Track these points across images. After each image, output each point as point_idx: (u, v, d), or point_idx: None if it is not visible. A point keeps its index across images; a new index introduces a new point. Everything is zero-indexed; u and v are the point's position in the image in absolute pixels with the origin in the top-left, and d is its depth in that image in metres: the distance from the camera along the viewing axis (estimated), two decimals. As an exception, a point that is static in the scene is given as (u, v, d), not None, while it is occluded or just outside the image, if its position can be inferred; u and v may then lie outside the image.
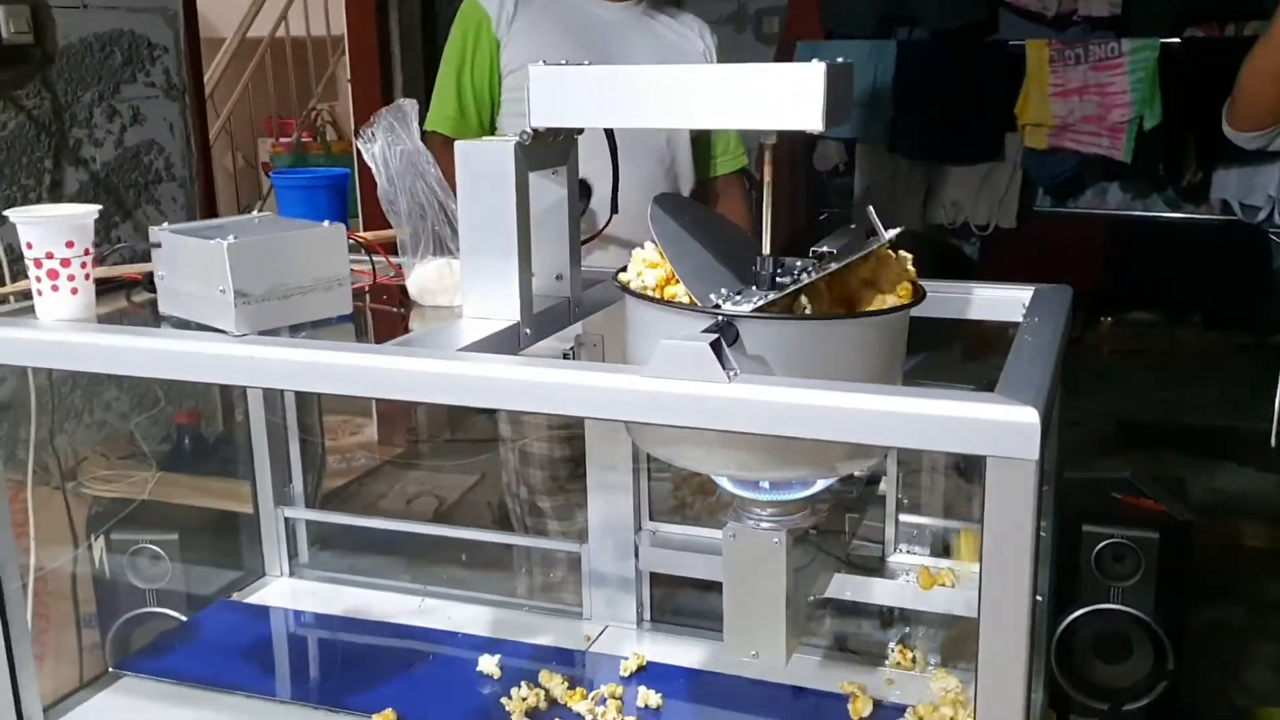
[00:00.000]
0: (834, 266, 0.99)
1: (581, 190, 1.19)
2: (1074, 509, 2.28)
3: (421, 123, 1.20)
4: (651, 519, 1.45)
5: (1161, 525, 2.21)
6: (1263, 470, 3.43)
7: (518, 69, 1.82)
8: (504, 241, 1.08)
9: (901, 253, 1.07)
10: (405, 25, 3.93)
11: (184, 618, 1.82)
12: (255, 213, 1.20)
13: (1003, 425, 0.80)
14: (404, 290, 1.25)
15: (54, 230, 1.10)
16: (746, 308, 0.95)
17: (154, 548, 2.16)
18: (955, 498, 1.39)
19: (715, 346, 0.88)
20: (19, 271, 1.17)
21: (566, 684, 1.29)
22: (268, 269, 1.06)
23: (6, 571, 1.19)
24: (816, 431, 0.86)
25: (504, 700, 1.26)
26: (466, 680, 1.32)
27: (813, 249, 1.06)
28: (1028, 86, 4.24)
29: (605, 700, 1.25)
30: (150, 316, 1.18)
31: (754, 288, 1.03)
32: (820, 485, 1.11)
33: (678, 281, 1.00)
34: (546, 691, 1.28)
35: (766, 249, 1.04)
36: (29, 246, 1.10)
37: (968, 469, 1.30)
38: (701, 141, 2.04)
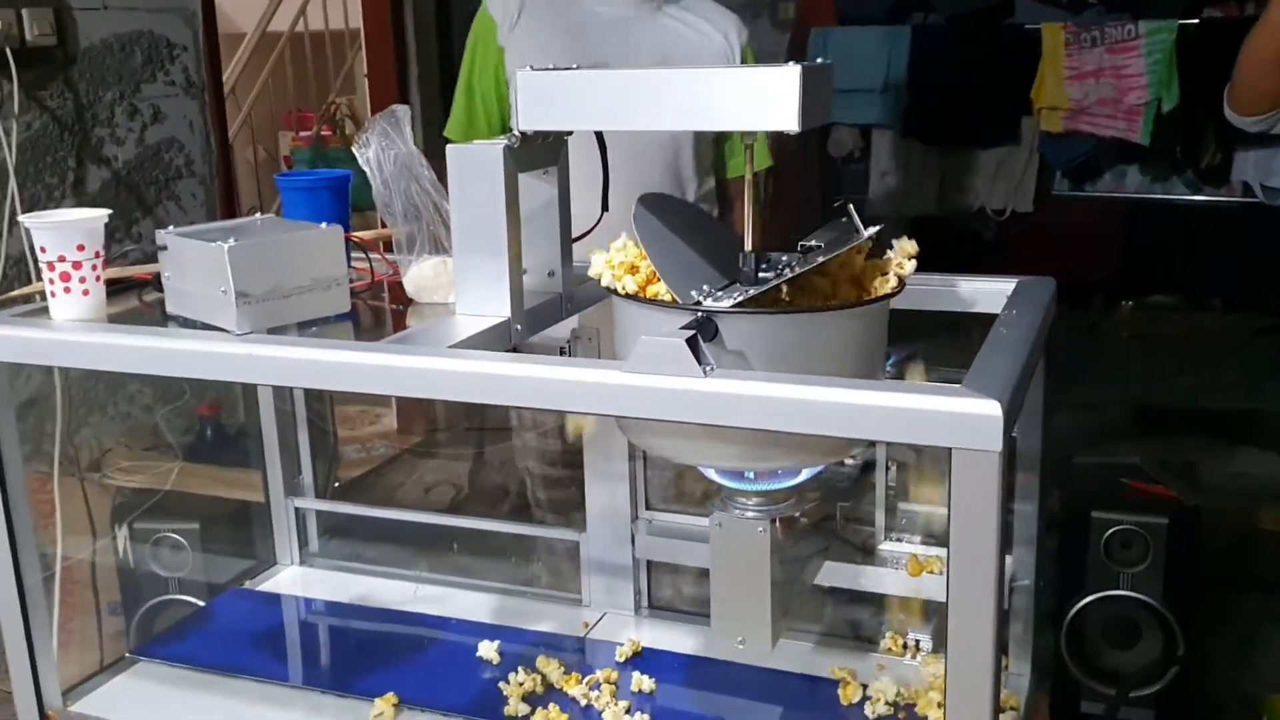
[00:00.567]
0: (813, 264, 1.02)
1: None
2: (1083, 495, 2.29)
3: (418, 127, 1.23)
4: (648, 508, 1.48)
5: (1170, 510, 2.21)
6: (1283, 454, 3.42)
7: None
8: (495, 240, 1.12)
9: (901, 246, 1.09)
10: (420, 20, 3.97)
11: (204, 604, 1.87)
12: (258, 215, 1.24)
13: (966, 418, 0.83)
14: (400, 288, 1.28)
15: (65, 235, 1.14)
16: (726, 304, 0.98)
17: (175, 537, 2.22)
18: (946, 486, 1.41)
19: (691, 343, 0.91)
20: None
21: (563, 669, 1.32)
22: (268, 270, 1.10)
23: (26, 560, 1.24)
24: (787, 424, 0.89)
25: (502, 684, 1.30)
26: (466, 665, 1.36)
27: (800, 243, 1.09)
28: (1043, 70, 4.22)
29: (600, 685, 1.29)
30: (159, 316, 1.22)
31: (737, 284, 1.05)
32: (805, 475, 1.14)
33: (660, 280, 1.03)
34: (543, 676, 1.32)
35: (749, 246, 1.07)
36: (42, 250, 1.15)
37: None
38: (721, 141, 2.03)
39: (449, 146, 1.10)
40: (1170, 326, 4.70)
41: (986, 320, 1.18)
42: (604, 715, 1.24)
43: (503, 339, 1.12)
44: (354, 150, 1.18)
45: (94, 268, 1.16)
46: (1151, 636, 2.23)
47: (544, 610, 1.50)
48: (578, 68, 1.07)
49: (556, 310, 1.22)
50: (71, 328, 1.14)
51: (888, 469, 1.35)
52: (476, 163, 1.09)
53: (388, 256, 1.30)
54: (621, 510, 1.47)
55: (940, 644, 1.34)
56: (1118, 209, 4.69)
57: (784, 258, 1.09)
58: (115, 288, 1.30)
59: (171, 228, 1.17)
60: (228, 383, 2.76)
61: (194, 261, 1.13)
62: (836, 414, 0.86)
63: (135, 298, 1.30)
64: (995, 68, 4.29)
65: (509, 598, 1.54)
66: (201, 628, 1.53)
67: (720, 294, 1.01)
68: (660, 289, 1.03)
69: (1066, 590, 2.25)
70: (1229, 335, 4.53)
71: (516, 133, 1.09)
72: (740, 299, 0.99)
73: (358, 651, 1.45)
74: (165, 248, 1.16)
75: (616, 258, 1.07)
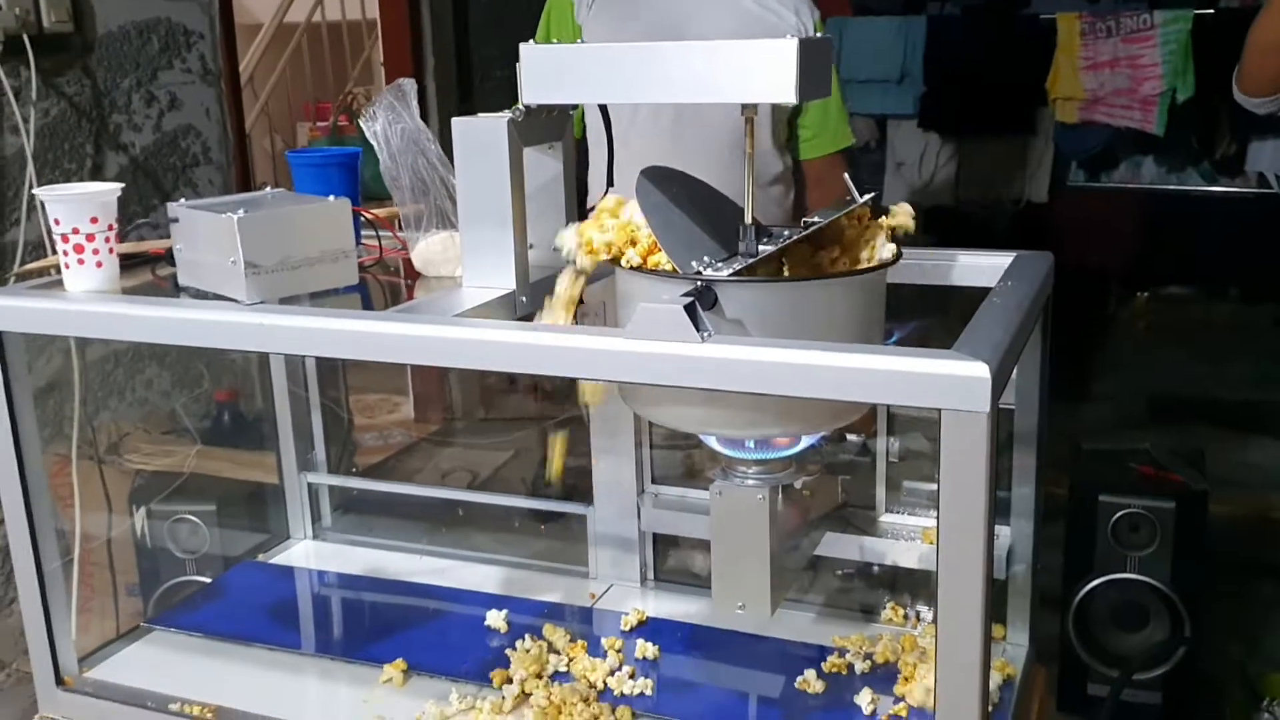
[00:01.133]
0: (808, 231, 1.04)
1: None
2: (1091, 479, 2.30)
3: (421, 100, 1.25)
4: (654, 482, 1.50)
5: (1178, 495, 2.22)
6: (1296, 444, 3.42)
7: None
8: (500, 214, 1.14)
9: (902, 213, 1.10)
10: (437, 9, 3.99)
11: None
12: (268, 188, 1.26)
13: (955, 380, 0.84)
14: (410, 263, 1.31)
15: (79, 207, 1.17)
16: (725, 273, 1.00)
17: (193, 518, 2.26)
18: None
19: (690, 309, 0.93)
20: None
21: (569, 637, 1.35)
22: (276, 241, 1.12)
23: (43, 536, 1.27)
24: (783, 388, 0.90)
25: (509, 651, 1.32)
26: (475, 633, 1.38)
27: (804, 219, 1.11)
28: (1058, 60, 4.22)
29: (605, 653, 1.31)
30: (172, 288, 1.25)
31: (738, 256, 1.07)
32: (805, 444, 1.16)
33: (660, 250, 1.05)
34: (550, 644, 1.34)
35: (749, 218, 1.09)
36: (56, 222, 1.18)
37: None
38: (794, 121, 2.02)
39: (454, 120, 1.12)
40: (1185, 317, 4.69)
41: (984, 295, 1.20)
42: (608, 682, 1.26)
43: (508, 310, 1.14)
44: (361, 124, 1.21)
45: (107, 240, 1.18)
46: (1158, 619, 2.24)
47: (552, 582, 1.52)
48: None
49: (561, 284, 1.24)
50: (84, 298, 1.16)
51: (889, 441, 1.36)
52: (482, 136, 1.11)
53: (397, 233, 1.32)
54: (628, 484, 1.49)
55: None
56: (1133, 199, 4.68)
57: (785, 231, 1.11)
58: (129, 262, 1.33)
59: (183, 200, 1.19)
60: (243, 367, 2.82)
61: (205, 233, 1.15)
62: (829, 377, 0.88)
63: (149, 272, 1.33)
64: (1010, 58, 4.29)
65: (518, 570, 1.56)
66: (215, 598, 1.56)
67: (720, 265, 1.03)
68: (662, 259, 1.05)
69: (1074, 573, 2.26)
70: (1245, 325, 4.52)
71: (521, 106, 1.10)
72: (739, 269, 1.01)
73: (367, 621, 1.48)
74: (177, 220, 1.19)
75: (593, 234, 1.08)
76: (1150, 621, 2.25)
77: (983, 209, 4.74)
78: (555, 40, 1.92)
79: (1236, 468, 3.23)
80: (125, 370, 2.69)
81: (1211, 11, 4.08)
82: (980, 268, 1.22)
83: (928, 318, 1.33)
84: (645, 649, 1.32)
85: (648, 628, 1.39)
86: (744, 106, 1.05)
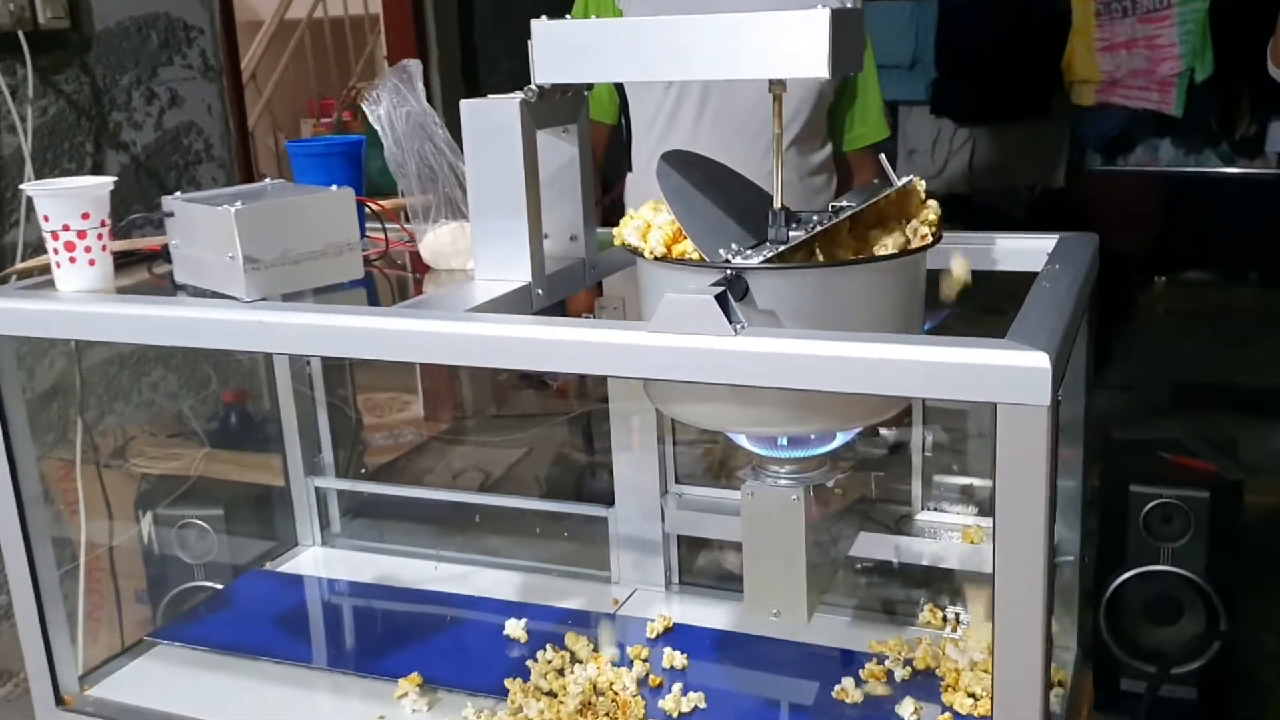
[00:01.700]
0: (844, 214, 0.97)
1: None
2: (1122, 470, 2.23)
3: (428, 83, 1.19)
4: (678, 482, 1.44)
5: (1211, 485, 2.16)
6: (1324, 429, 3.34)
7: None
8: (513, 201, 1.07)
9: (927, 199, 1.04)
10: (440, 3, 3.93)
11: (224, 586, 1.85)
12: (268, 180, 1.20)
13: (1013, 371, 0.78)
14: (418, 256, 1.24)
15: (69, 202, 1.11)
16: (757, 260, 0.94)
17: (200, 523, 2.21)
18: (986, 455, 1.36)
19: (721, 299, 0.87)
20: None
21: (592, 646, 1.29)
22: (276, 234, 1.06)
23: (38, 547, 1.21)
24: (824, 383, 0.84)
25: (529, 663, 1.26)
26: (493, 644, 1.32)
27: (832, 204, 1.04)
28: (1073, 41, 4.13)
29: (631, 662, 1.25)
30: (169, 287, 1.19)
31: (766, 244, 1.01)
32: (840, 441, 1.09)
33: (686, 239, 0.99)
34: (572, 654, 1.28)
35: (778, 203, 1.02)
36: (45, 219, 1.11)
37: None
38: (837, 112, 1.99)
39: (463, 102, 1.05)
40: (1206, 301, 4.61)
41: (1024, 280, 1.13)
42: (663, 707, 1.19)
43: (523, 304, 1.08)
44: (364, 107, 1.14)
45: (100, 237, 1.12)
46: (1193, 612, 2.17)
47: (572, 588, 1.46)
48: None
49: (579, 276, 1.18)
50: (75, 299, 1.10)
51: (924, 436, 1.30)
52: (492, 118, 1.05)
53: (403, 225, 1.26)
54: (650, 485, 1.42)
55: (983, 616, 1.29)
56: (1151, 183, 4.60)
57: (815, 216, 1.04)
58: (124, 261, 1.28)
59: (178, 194, 1.13)
60: (250, 368, 2.76)
61: (201, 227, 1.09)
62: (875, 371, 0.82)
63: (145, 270, 1.27)
64: (1024, 40, 4.21)
65: (535, 576, 1.50)
66: (221, 610, 1.50)
67: (749, 253, 0.96)
68: (686, 248, 0.99)
69: (1105, 567, 2.19)
70: (1267, 309, 4.44)
71: (534, 86, 1.04)
72: (771, 256, 0.94)
73: (381, 631, 1.42)
74: (172, 214, 1.13)
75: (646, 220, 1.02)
76: (1184, 615, 2.19)
77: (998, 196, 4.66)
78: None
79: (1269, 455, 3.16)
80: (130, 373, 2.64)
81: (1230, -11, 3.99)
82: (1020, 251, 1.15)
83: (959, 305, 1.26)
84: (673, 658, 1.26)
85: (675, 634, 1.32)
86: (771, 83, 0.99)
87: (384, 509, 1.77)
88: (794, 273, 0.94)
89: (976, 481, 1.36)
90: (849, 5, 1.85)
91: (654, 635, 1.32)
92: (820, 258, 1.00)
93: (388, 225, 1.28)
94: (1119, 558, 2.18)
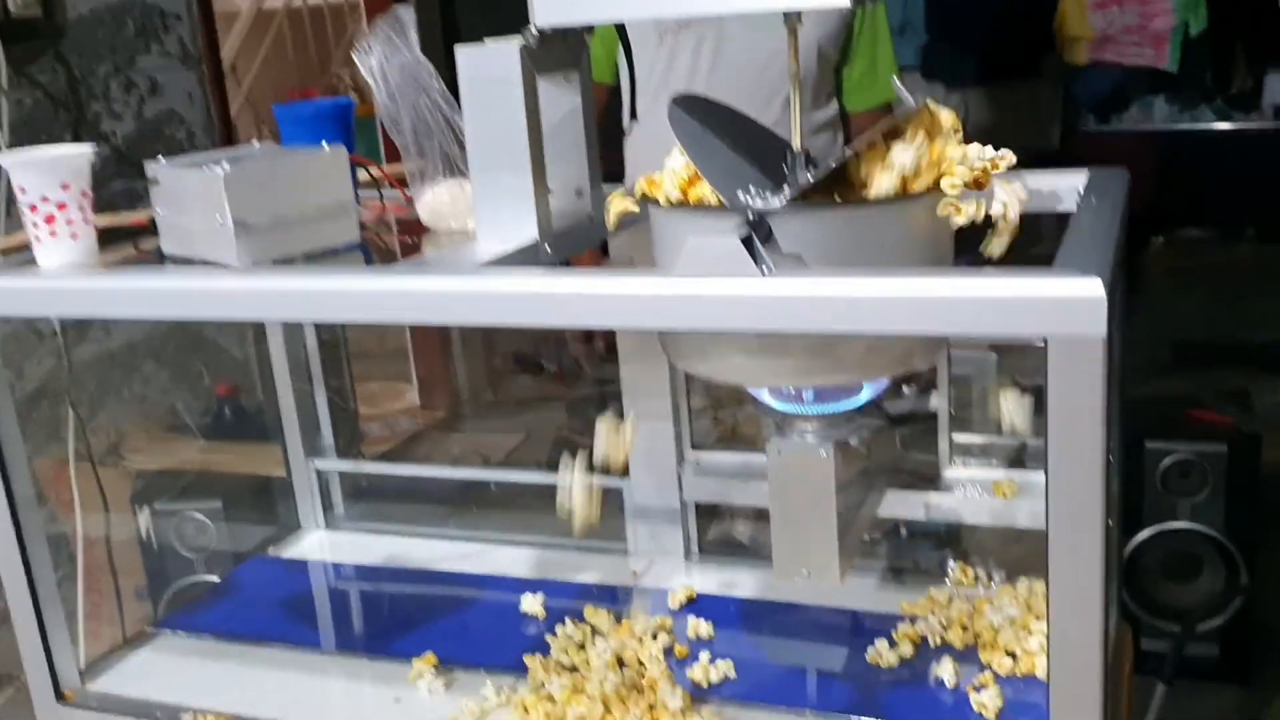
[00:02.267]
0: (866, 142, 0.92)
1: None
2: (1136, 426, 2.19)
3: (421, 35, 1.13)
4: (694, 448, 1.39)
5: (1229, 438, 2.12)
6: (1330, 382, 3.30)
7: None
8: (515, 154, 1.02)
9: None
10: (421, -16, 3.86)
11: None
12: (255, 142, 1.14)
13: (1064, 301, 0.73)
14: (416, 222, 1.19)
15: (47, 172, 1.05)
16: (781, 201, 0.88)
17: (199, 516, 2.17)
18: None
19: (747, 241, 0.82)
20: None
21: (613, 618, 1.24)
22: (267, 196, 1.01)
23: (32, 543, 1.16)
24: (860, 324, 0.79)
25: (549, 638, 1.21)
26: (509, 621, 1.27)
27: (846, 146, 0.99)
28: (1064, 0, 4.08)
29: (656, 634, 1.20)
30: (158, 260, 1.13)
31: (785, 187, 0.96)
32: (868, 395, 1.04)
33: (702, 182, 0.93)
34: (593, 627, 1.23)
35: (797, 144, 0.97)
36: (22, 191, 1.06)
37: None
38: (842, 71, 1.98)
39: (458, 49, 1.00)
40: (1204, 260, 4.57)
41: (1051, 220, 1.09)
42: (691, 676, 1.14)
43: (531, 262, 1.02)
44: (354, 57, 1.09)
45: (81, 209, 1.06)
46: (1213, 568, 2.14)
47: (587, 561, 1.41)
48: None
49: (587, 233, 1.12)
50: (57, 273, 1.04)
51: (950, 390, 1.25)
52: (490, 67, 0.99)
53: (398, 185, 1.20)
54: (665, 452, 1.37)
55: (1015, 573, 1.25)
56: (1146, 141, 4.55)
57: (832, 160, 0.99)
58: (108, 237, 1.22)
59: (162, 159, 1.08)
60: (242, 362, 2.71)
61: (188, 193, 1.04)
62: (915, 309, 0.76)
63: (131, 246, 1.21)
64: (1015, 1, 4.16)
65: (549, 552, 1.45)
66: (225, 597, 1.45)
67: (769, 196, 0.91)
68: (703, 193, 0.93)
69: (1123, 525, 2.15)
70: (1266, 265, 4.40)
71: (534, 29, 0.98)
72: (795, 196, 0.89)
73: (391, 613, 1.37)
74: (157, 181, 1.07)
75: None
76: (1204, 571, 2.15)
77: (992, 160, 4.60)
78: None
79: (1273, 409, 3.12)
80: (121, 369, 2.59)
81: (1222, -62, 3.94)
82: (1052, 191, 1.10)
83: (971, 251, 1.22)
84: (698, 626, 1.21)
85: (698, 604, 1.28)
86: (786, 16, 0.93)
87: (387, 492, 1.72)
88: (820, 213, 0.89)
89: (1001, 441, 1.31)
90: None
91: (676, 606, 1.27)
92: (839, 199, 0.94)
93: (384, 189, 1.22)
94: (1136, 516, 2.14)
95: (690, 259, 0.82)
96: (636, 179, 1.00)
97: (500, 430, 3.89)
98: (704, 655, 1.15)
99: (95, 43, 2.46)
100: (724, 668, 1.13)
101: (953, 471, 1.28)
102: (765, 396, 1.05)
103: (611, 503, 1.42)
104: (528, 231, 1.04)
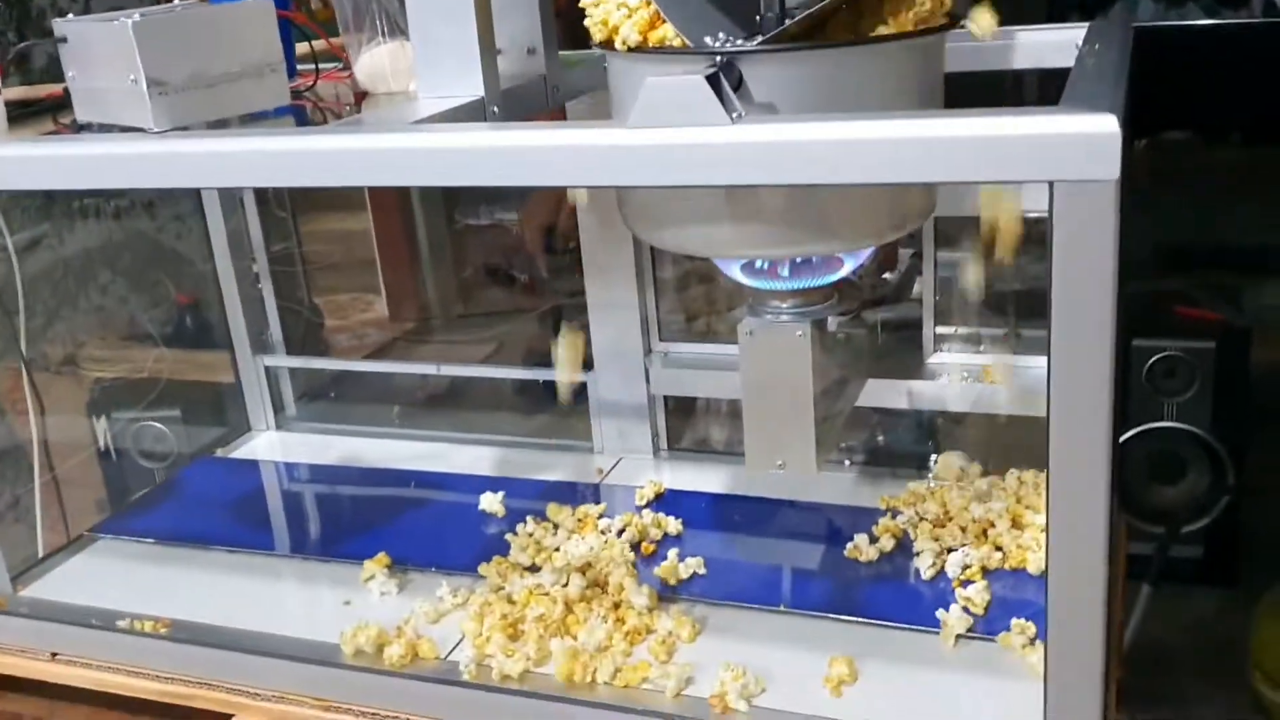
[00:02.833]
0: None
1: None
2: (1122, 322, 2.13)
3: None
4: (662, 339, 1.31)
5: (1218, 334, 2.05)
6: (1320, 282, 3.25)
7: None
8: (459, 6, 0.92)
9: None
10: None
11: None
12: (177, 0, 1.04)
13: (1075, 139, 0.64)
14: (356, 89, 1.09)
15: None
16: (753, 44, 0.79)
17: (158, 425, 2.09)
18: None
19: (713, 80, 0.72)
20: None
21: (577, 516, 1.17)
22: (185, 52, 0.90)
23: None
24: (844, 174, 0.70)
25: (509, 536, 1.14)
26: (467, 520, 1.20)
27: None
28: (1049, -110, 3.93)
29: (621, 531, 1.13)
30: (74, 131, 1.03)
31: (759, 35, 0.86)
32: (848, 268, 0.96)
33: (665, 24, 0.84)
34: (555, 525, 1.16)
35: (773, -12, 0.87)
36: (-85, 54, 0.95)
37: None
38: None
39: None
40: (1191, 162, 4.49)
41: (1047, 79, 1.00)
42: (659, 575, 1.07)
43: (477, 121, 0.93)
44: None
45: (-16, 73, 0.96)
46: (1199, 468, 2.08)
47: (552, 460, 1.34)
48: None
49: (540, 95, 1.03)
50: (-44, 143, 0.94)
51: (935, 271, 1.17)
52: (430, -98, 0.89)
53: (334, 43, 1.10)
54: (632, 344, 1.29)
55: (1001, 463, 1.19)
56: (1133, 40, 4.43)
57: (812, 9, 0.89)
58: (22, 111, 1.12)
59: (70, 15, 0.97)
60: (204, 270, 2.61)
61: (98, 50, 0.93)
62: (905, 153, 0.68)
63: (50, 121, 1.11)
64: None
65: (511, 450, 1.38)
66: (169, 499, 1.37)
67: (741, 43, 0.82)
68: (666, 34, 0.84)
69: (1108, 424, 2.10)
70: (1254, 167, 4.32)
71: None
72: (769, 38, 0.80)
73: (344, 513, 1.30)
74: (65, 39, 0.96)
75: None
76: (1190, 472, 2.10)
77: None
78: None
79: (1262, 309, 3.07)
80: (76, 278, 2.48)
81: None
82: (1051, 45, 1.01)
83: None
84: (665, 523, 1.14)
85: (666, 501, 1.21)
86: None
87: (343, 392, 1.64)
88: (797, 57, 0.79)
89: (988, 330, 1.24)
90: None
91: (643, 502, 1.20)
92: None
93: (320, 60, 1.12)
94: (1121, 415, 2.09)
95: (647, 101, 0.72)
96: None
97: (471, 343, 3.80)
98: (672, 552, 1.08)
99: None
100: (693, 564, 1.06)
101: (937, 358, 1.20)
102: (737, 273, 0.97)
103: (576, 399, 1.35)
104: (475, 87, 0.94)
